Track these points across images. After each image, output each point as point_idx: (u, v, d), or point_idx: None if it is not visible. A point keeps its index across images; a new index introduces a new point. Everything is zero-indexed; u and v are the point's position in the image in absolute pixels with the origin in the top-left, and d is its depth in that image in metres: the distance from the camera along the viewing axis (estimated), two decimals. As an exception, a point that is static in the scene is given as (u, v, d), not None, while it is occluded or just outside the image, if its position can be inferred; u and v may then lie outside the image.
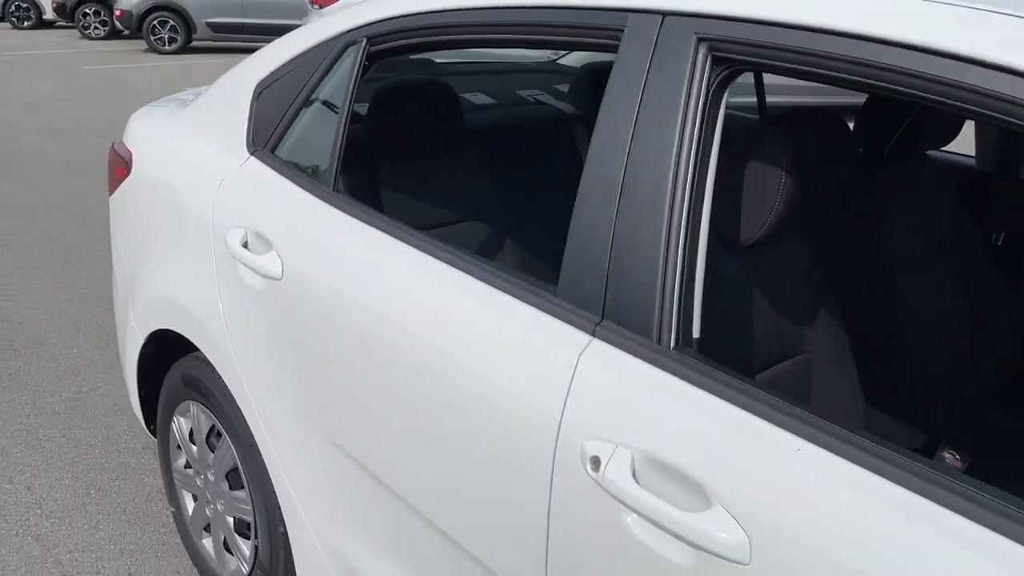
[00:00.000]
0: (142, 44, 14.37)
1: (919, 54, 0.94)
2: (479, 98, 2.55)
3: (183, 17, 13.64)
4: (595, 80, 2.61)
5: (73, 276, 4.30)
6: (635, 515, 1.05)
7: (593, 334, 1.17)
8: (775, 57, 1.07)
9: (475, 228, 2.18)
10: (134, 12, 13.67)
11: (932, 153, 2.22)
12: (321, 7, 10.77)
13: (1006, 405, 2.05)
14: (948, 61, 0.92)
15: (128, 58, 13.20)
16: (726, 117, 2.06)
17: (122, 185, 2.24)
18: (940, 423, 1.79)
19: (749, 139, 1.34)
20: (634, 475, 1.05)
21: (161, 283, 2.00)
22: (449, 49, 1.57)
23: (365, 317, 1.45)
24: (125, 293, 2.23)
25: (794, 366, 1.56)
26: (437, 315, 1.35)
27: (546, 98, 2.68)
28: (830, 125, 1.42)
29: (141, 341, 2.13)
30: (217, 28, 13.66)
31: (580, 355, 1.16)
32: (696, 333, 1.14)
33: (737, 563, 0.95)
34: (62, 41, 15.87)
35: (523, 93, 2.66)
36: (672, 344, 1.11)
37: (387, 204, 2.06)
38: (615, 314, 1.15)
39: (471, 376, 1.27)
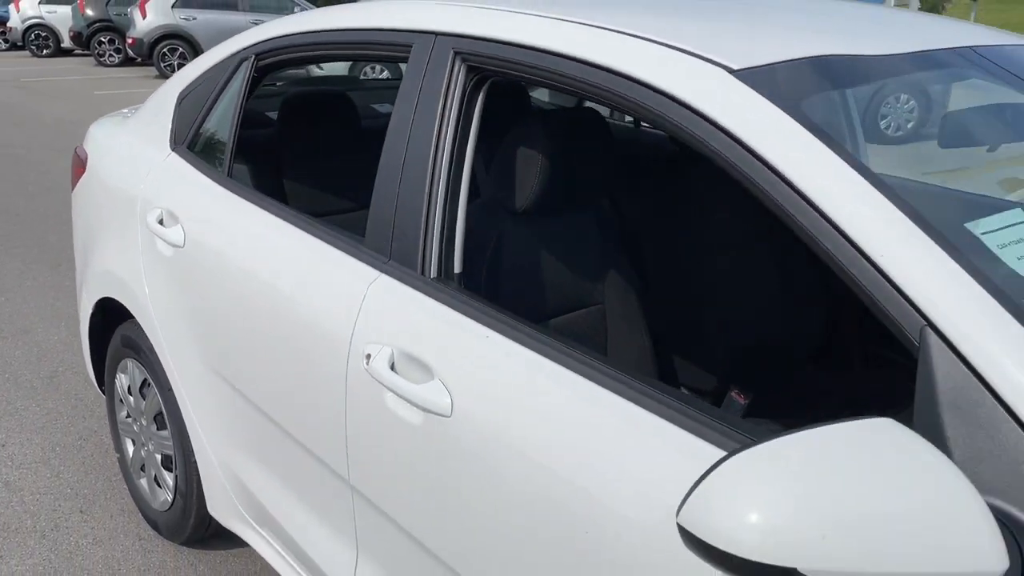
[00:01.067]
0: (153, 71, 14.98)
1: (577, 64, 1.34)
2: (385, 107, 2.98)
3: (191, 44, 14.25)
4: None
5: (62, 276, 4.74)
6: (390, 392, 1.44)
7: (381, 270, 1.57)
8: (506, 68, 1.47)
9: (364, 216, 2.59)
10: (145, 40, 14.30)
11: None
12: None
13: (818, 364, 2.42)
14: (590, 69, 1.32)
15: (138, 83, 13.79)
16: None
17: (80, 181, 2.66)
18: (733, 376, 2.17)
19: (518, 130, 1.74)
20: (392, 365, 1.45)
21: (104, 259, 2.42)
22: (314, 62, 1.99)
23: (235, 271, 1.86)
24: (81, 271, 2.65)
25: (588, 315, 1.95)
26: (281, 264, 1.75)
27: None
28: (591, 121, 1.82)
29: (90, 310, 2.54)
30: (224, 55, 14.24)
31: (370, 285, 1.56)
32: (457, 268, 1.54)
33: (444, 416, 1.34)
34: (78, 68, 16.53)
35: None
36: (433, 275, 1.51)
37: (290, 194, 2.47)
38: (397, 255, 1.55)
39: (301, 306, 1.67)
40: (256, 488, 1.98)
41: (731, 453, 0.83)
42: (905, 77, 1.33)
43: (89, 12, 17.43)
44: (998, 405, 0.87)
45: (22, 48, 20.40)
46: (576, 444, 1.18)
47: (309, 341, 1.64)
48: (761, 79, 1.17)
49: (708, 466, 0.89)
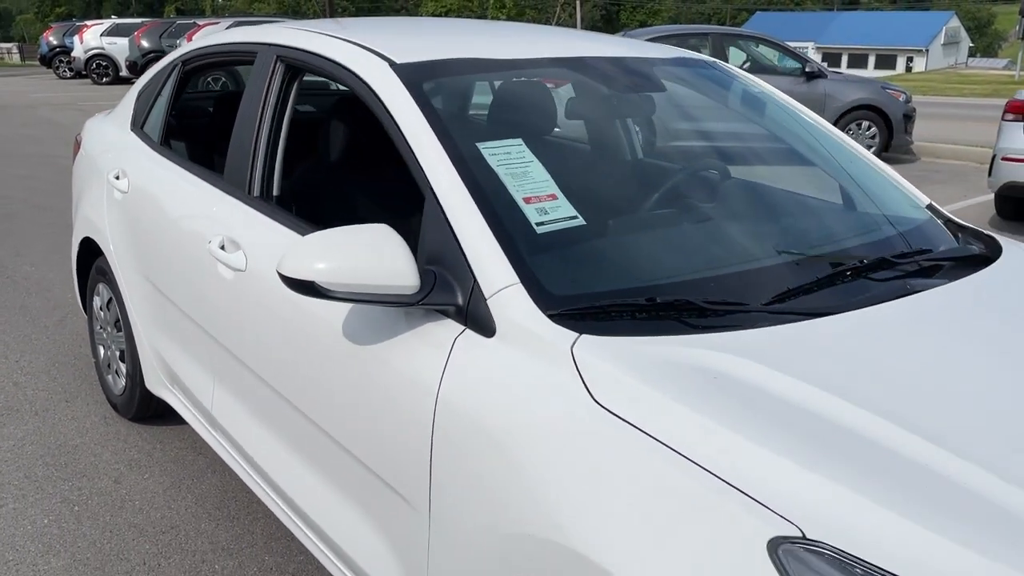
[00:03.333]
0: (197, 97, 16.29)
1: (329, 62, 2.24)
2: (305, 107, 3.92)
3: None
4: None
5: (82, 253, 5.76)
6: (220, 264, 2.34)
7: (226, 192, 2.47)
8: (301, 64, 2.37)
9: None
10: (191, 69, 15.62)
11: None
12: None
13: None
14: (335, 65, 2.22)
15: (182, 108, 15.08)
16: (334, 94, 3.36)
17: (76, 158, 3.64)
18: None
19: (333, 110, 2.64)
20: (222, 246, 2.34)
21: (85, 209, 3.37)
22: (216, 68, 2.92)
23: (154, 203, 2.79)
24: (73, 223, 3.61)
25: None
26: (179, 196, 2.67)
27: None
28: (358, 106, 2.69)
29: (76, 248, 3.50)
30: (261, 83, 15.50)
31: (220, 201, 2.46)
32: (275, 192, 2.43)
33: (242, 271, 2.23)
34: (131, 94, 17.94)
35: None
36: (256, 195, 2.40)
37: (217, 163, 3.40)
38: (237, 183, 2.45)
39: (186, 219, 2.58)
40: (168, 358, 2.88)
41: (304, 238, 1.70)
42: (517, 72, 2.21)
43: (144, 44, 18.95)
44: (447, 227, 1.72)
45: (85, 76, 22.06)
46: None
47: (188, 241, 2.55)
48: (404, 69, 2.05)
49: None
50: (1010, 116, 6.39)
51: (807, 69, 9.61)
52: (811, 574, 1.10)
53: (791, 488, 1.19)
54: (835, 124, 9.71)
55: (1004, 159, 6.37)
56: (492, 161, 1.86)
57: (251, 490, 2.91)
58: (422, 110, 1.93)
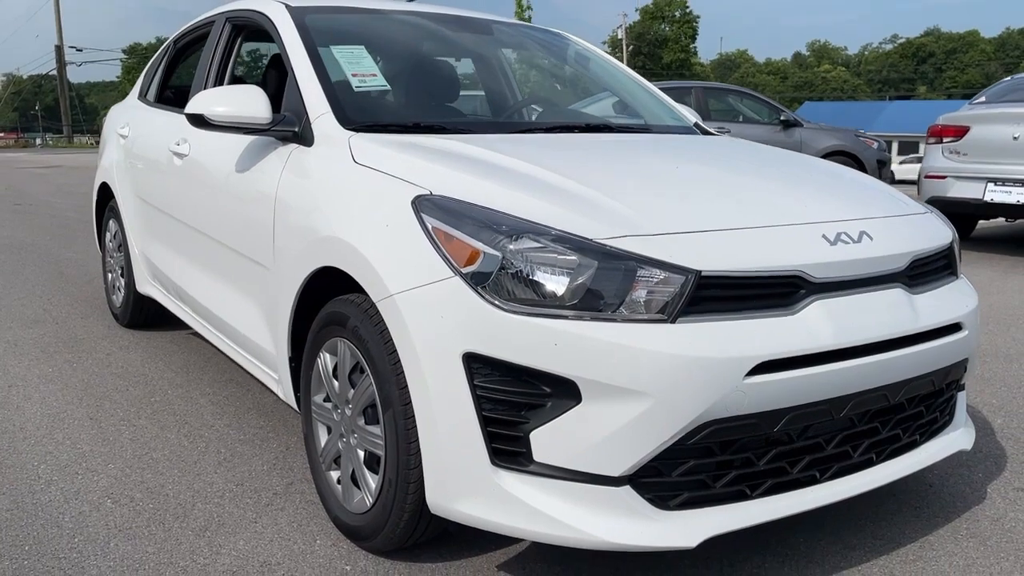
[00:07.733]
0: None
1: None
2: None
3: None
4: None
5: (117, 246, 6.84)
6: (175, 156, 3.28)
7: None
8: (241, 22, 3.36)
9: None
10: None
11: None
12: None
13: None
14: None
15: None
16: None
17: (102, 135, 4.69)
18: None
19: (268, 68, 3.61)
20: (178, 144, 3.29)
21: (102, 163, 4.39)
22: (197, 43, 3.96)
23: (145, 140, 3.77)
24: (95, 178, 4.64)
25: None
26: (158, 130, 3.64)
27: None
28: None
29: (95, 195, 4.51)
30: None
31: (182, 121, 3.43)
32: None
33: (187, 155, 3.17)
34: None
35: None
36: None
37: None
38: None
39: (162, 140, 3.55)
40: (150, 256, 3.82)
41: (204, 91, 2.62)
42: (378, 15, 3.14)
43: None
44: (297, 87, 2.63)
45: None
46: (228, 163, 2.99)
47: (160, 149, 3.51)
48: (294, 9, 3.00)
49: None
50: (932, 140, 7.15)
51: (782, 118, 10.48)
52: (428, 206, 1.94)
53: (435, 177, 2.04)
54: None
55: (927, 176, 7.11)
56: (337, 56, 2.79)
57: (206, 351, 3.80)
58: (298, 30, 2.87)
